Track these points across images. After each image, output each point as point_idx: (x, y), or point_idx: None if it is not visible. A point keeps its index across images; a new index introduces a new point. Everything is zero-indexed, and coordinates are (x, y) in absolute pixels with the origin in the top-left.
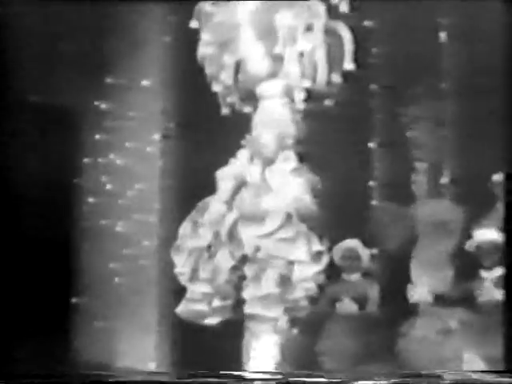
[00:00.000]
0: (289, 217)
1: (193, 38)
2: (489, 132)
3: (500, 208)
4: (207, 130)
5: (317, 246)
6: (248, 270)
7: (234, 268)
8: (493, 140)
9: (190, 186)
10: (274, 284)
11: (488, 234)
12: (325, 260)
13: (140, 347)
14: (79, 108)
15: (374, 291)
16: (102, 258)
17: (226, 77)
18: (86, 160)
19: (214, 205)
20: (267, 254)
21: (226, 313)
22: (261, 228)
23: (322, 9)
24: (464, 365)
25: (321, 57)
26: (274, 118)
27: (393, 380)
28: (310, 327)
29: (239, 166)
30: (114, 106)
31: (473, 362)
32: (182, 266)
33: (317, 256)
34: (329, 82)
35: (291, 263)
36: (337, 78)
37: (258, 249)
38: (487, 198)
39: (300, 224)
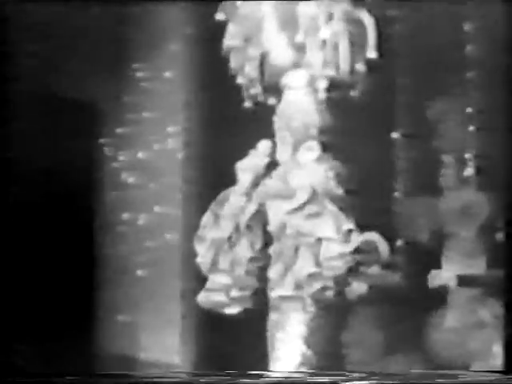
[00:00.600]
0: (315, 194)
1: (217, 30)
2: None
3: None
4: (230, 122)
5: (347, 225)
6: (274, 249)
7: (254, 259)
8: None
9: (212, 178)
10: (311, 263)
11: None
12: (356, 239)
13: (163, 340)
14: (101, 101)
15: (393, 281)
16: (124, 250)
17: (251, 69)
18: (107, 153)
19: (234, 196)
20: (296, 231)
21: (247, 302)
22: (288, 205)
23: None
24: (492, 358)
25: (344, 45)
26: (298, 107)
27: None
28: (335, 311)
29: (259, 158)
30: (136, 99)
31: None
32: (203, 256)
33: (347, 235)
34: (352, 71)
35: (319, 240)
36: (361, 67)
37: (284, 226)
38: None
39: (327, 202)
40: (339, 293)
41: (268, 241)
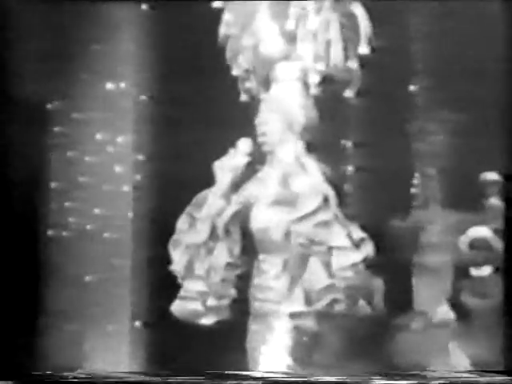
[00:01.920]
0: (326, 200)
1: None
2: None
3: (491, 207)
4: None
5: (358, 233)
6: (276, 260)
7: (232, 265)
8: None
9: (161, 181)
10: (324, 274)
11: (481, 231)
12: (368, 248)
13: (113, 350)
14: (48, 100)
15: (378, 284)
16: (72, 257)
17: (244, 60)
18: (54, 154)
19: (212, 198)
20: (304, 240)
21: (224, 312)
22: (292, 212)
23: None
24: (451, 359)
25: (335, 38)
26: (284, 102)
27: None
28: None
29: (238, 157)
30: (86, 99)
31: (459, 357)
32: (177, 262)
33: (359, 243)
34: (345, 67)
35: (330, 250)
36: (353, 63)
37: (288, 235)
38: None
39: (336, 208)
40: (350, 306)
41: (252, 248)
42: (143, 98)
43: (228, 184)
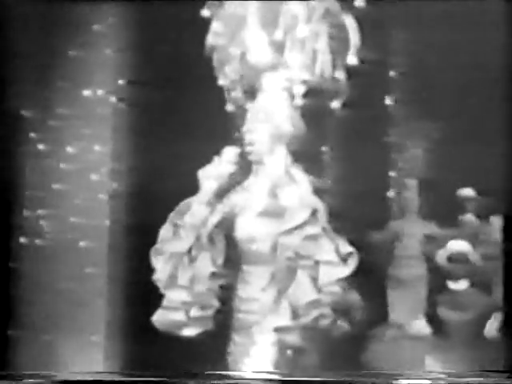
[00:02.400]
0: (314, 212)
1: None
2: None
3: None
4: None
5: (346, 248)
6: (261, 272)
7: (215, 275)
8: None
9: (138, 190)
10: (310, 288)
11: (459, 245)
12: (354, 262)
13: (90, 363)
14: (26, 108)
15: (357, 298)
16: (46, 265)
17: (231, 70)
18: (30, 161)
19: (196, 206)
20: (291, 253)
21: (208, 322)
22: (280, 224)
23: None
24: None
25: (324, 48)
26: (270, 112)
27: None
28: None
29: (224, 165)
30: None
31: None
32: (160, 271)
33: (346, 257)
34: (333, 78)
35: (317, 264)
36: (340, 75)
37: (275, 247)
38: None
39: (325, 221)
40: (335, 320)
41: (236, 258)
42: (121, 105)
43: (212, 192)
